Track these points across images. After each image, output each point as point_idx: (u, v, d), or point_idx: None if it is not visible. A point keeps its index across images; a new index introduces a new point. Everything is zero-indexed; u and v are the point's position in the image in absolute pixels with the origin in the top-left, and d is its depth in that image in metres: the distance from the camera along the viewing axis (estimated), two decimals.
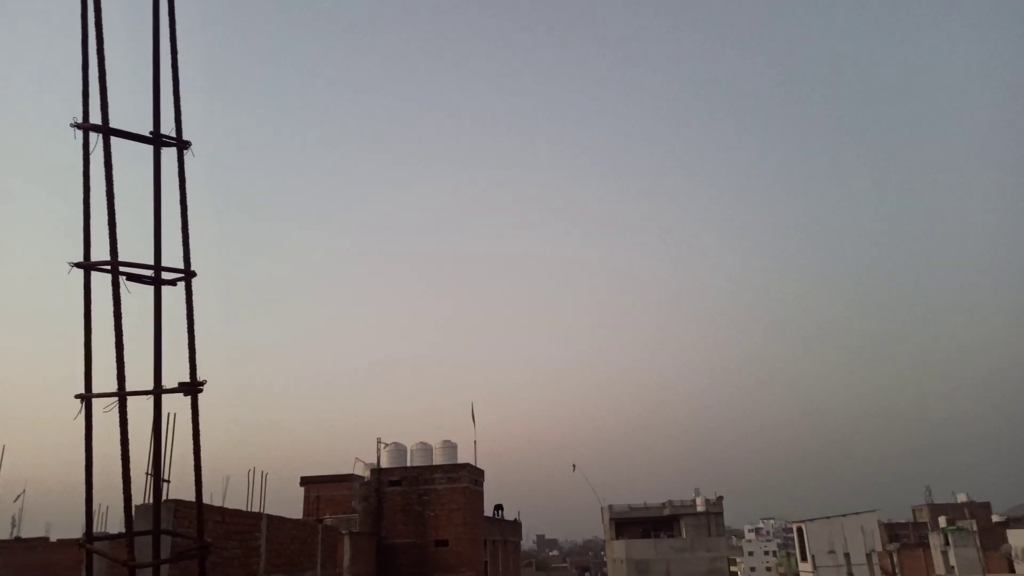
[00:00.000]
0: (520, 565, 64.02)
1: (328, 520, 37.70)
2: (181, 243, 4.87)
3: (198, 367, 4.63)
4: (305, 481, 44.59)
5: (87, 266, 4.65)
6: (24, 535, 26.64)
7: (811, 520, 68.38)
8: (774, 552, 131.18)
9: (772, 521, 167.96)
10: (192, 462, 4.72)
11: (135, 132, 4.83)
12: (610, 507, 73.34)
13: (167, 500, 17.39)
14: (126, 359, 4.97)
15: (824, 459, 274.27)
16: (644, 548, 66.01)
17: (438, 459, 46.56)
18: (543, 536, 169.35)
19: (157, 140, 4.91)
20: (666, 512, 72.19)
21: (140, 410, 5.22)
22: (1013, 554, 53.15)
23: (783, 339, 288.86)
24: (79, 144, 4.62)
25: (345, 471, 45.29)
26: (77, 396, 4.53)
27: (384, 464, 46.35)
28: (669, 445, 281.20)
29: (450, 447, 48.74)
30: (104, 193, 4.47)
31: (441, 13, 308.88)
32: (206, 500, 17.61)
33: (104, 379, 4.90)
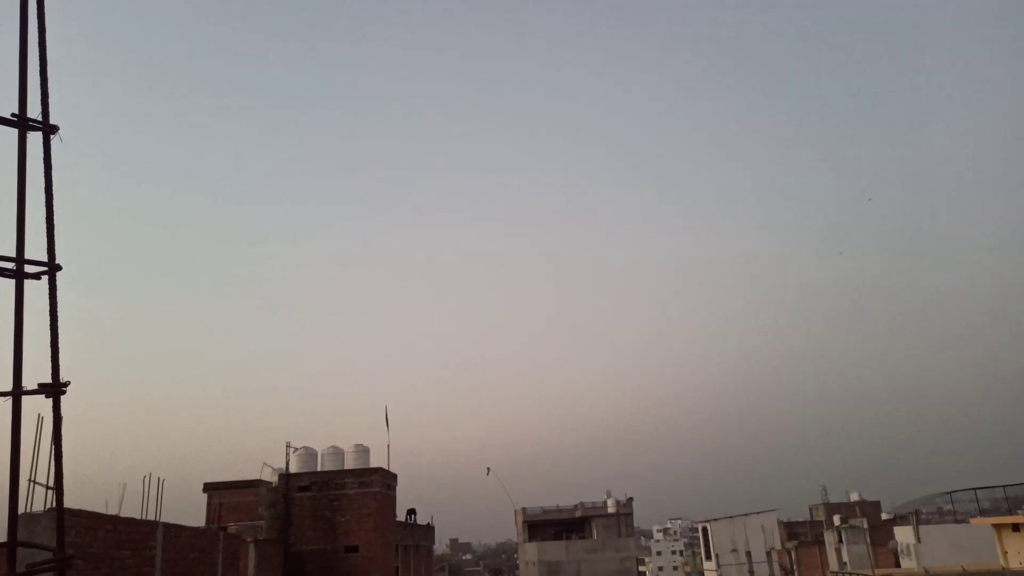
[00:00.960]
0: (433, 569, 63.53)
1: (232, 528, 36.39)
2: (46, 234, 4.54)
3: (62, 368, 4.31)
4: (208, 488, 42.86)
5: None
6: None
7: (715, 520, 70.77)
8: (681, 551, 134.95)
9: (679, 521, 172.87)
10: (54, 468, 4.39)
11: None
12: (523, 510, 73.81)
13: (48, 509, 16.40)
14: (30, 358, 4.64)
15: (729, 461, 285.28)
16: (556, 550, 66.73)
17: (350, 463, 45.79)
18: (456, 540, 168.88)
19: (23, 124, 4.57)
20: (578, 514, 73.18)
21: (4, 413, 4.85)
22: (899, 549, 56.47)
23: (687, 342, 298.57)
24: None
25: (253, 477, 43.80)
26: None
27: (294, 469, 45.16)
28: (582, 448, 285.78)
29: (362, 451, 48.01)
30: None
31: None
32: (101, 509, 16.59)
33: None
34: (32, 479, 17.21)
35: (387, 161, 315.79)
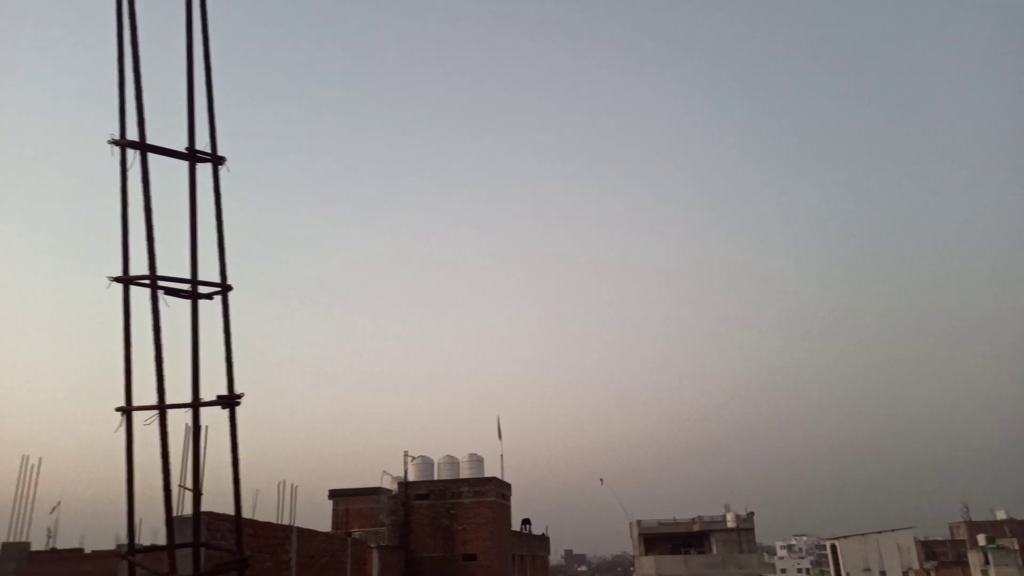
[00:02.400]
0: None
1: (356, 533, 37.76)
2: (218, 258, 4.94)
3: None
4: (333, 494, 44.72)
5: (126, 280, 4.74)
6: (59, 546, 27.00)
7: (845, 537, 67.01)
8: (807, 570, 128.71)
9: (804, 538, 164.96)
10: (231, 475, 4.74)
11: (171, 148, 4.92)
12: (639, 522, 72.59)
13: (190, 513, 17.58)
14: (164, 372, 5.04)
15: (857, 474, 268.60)
16: (674, 564, 65.17)
17: (464, 472, 46.54)
18: (571, 551, 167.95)
19: (192, 156, 4.99)
20: (696, 528, 71.25)
21: (174, 423, 5.27)
22: None
23: (815, 351, 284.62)
24: (110, 157, 4.72)
25: (373, 484, 45.32)
26: (118, 409, 4.60)
27: (411, 477, 46.40)
28: (699, 459, 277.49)
29: (476, 460, 48.69)
30: (142, 208, 4.57)
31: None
32: (230, 512, 17.70)
33: (143, 392, 4.97)
34: (181, 484, 18.62)
35: (501, 170, 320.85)
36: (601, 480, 69.66)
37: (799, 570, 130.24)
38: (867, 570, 62.73)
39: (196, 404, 4.55)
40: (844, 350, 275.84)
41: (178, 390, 4.96)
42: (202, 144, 5.05)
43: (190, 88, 5.04)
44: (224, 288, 4.83)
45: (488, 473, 46.16)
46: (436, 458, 48.37)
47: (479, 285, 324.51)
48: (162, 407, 4.38)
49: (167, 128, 5.31)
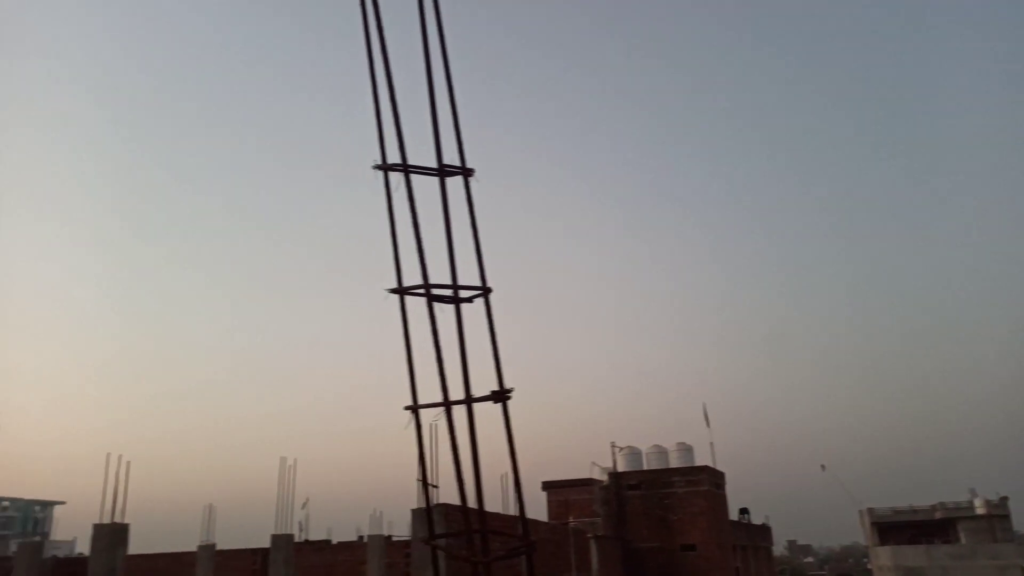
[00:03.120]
0: (774, 572, 60.82)
1: (572, 524, 38.58)
2: (477, 263, 5.31)
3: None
4: (547, 486, 45.97)
5: (401, 291, 5.23)
6: (311, 538, 29.91)
7: None
8: None
9: None
10: (510, 464, 5.08)
11: (426, 167, 5.37)
12: (870, 510, 67.45)
13: (437, 504, 18.92)
14: (421, 374, 5.53)
15: None
16: (915, 555, 59.67)
17: (674, 462, 45.96)
18: (795, 542, 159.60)
19: (442, 172, 5.41)
20: (937, 515, 64.92)
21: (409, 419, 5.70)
22: None
23: None
24: (364, 181, 5.25)
25: (580, 476, 45.98)
26: (407, 407, 5.09)
27: (620, 468, 46.60)
28: (932, 438, 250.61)
29: (685, 449, 47.97)
30: (410, 224, 5.06)
31: None
32: (459, 503, 18.69)
33: (397, 394, 5.48)
34: (419, 479, 20.07)
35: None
36: (823, 466, 65.56)
37: None
38: None
39: (469, 400, 4.92)
40: None
41: (429, 391, 5.39)
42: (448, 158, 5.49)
43: (432, 108, 5.48)
44: (485, 291, 5.18)
45: (698, 462, 45.28)
46: (644, 448, 48.15)
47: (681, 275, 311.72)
48: (447, 403, 4.79)
49: (412, 145, 5.80)
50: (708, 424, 47.87)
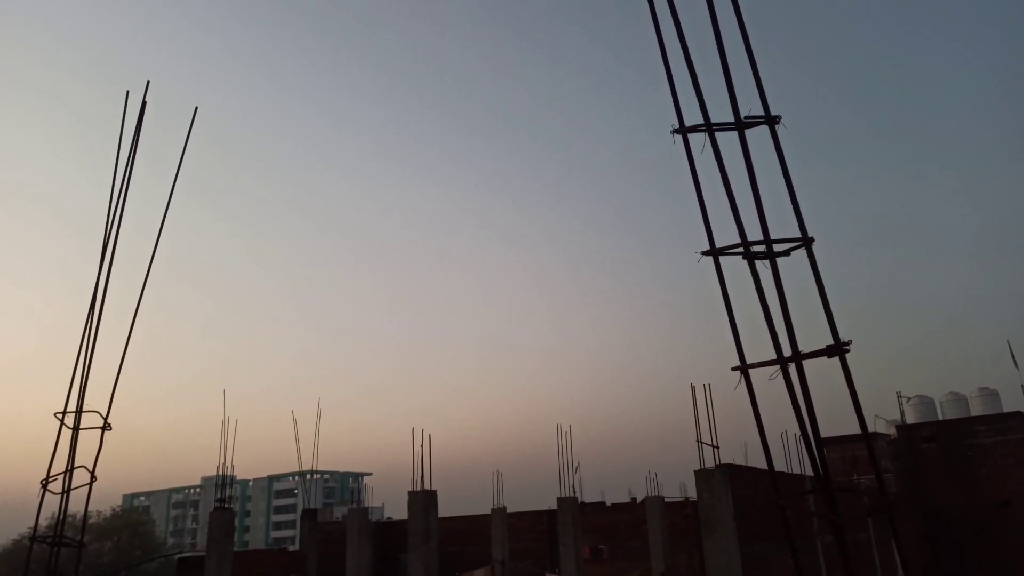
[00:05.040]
0: None
1: (860, 481, 36.02)
2: (794, 213, 5.09)
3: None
4: (827, 442, 43.45)
5: (715, 252, 5.19)
6: (585, 500, 31.17)
7: None
8: None
9: None
10: (857, 420, 4.84)
11: (727, 123, 5.25)
12: None
13: (720, 465, 18.74)
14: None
15: None
16: None
17: (975, 410, 41.48)
18: None
19: (741, 124, 5.24)
20: None
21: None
22: None
23: None
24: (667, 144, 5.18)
25: (855, 431, 42.70)
26: (734, 368, 5.07)
27: (909, 420, 42.93)
28: None
29: (990, 395, 42.90)
30: (721, 183, 4.99)
31: None
32: (739, 462, 18.29)
33: (724, 354, 5.38)
34: (699, 440, 20.00)
35: None
36: None
37: None
38: None
39: (797, 357, 4.75)
40: None
41: (755, 349, 5.23)
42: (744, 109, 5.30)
43: (723, 58, 5.31)
44: (807, 241, 4.96)
45: (1006, 408, 40.21)
46: (937, 397, 43.75)
47: None
48: (782, 361, 4.68)
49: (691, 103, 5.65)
50: (1016, 364, 41.77)
